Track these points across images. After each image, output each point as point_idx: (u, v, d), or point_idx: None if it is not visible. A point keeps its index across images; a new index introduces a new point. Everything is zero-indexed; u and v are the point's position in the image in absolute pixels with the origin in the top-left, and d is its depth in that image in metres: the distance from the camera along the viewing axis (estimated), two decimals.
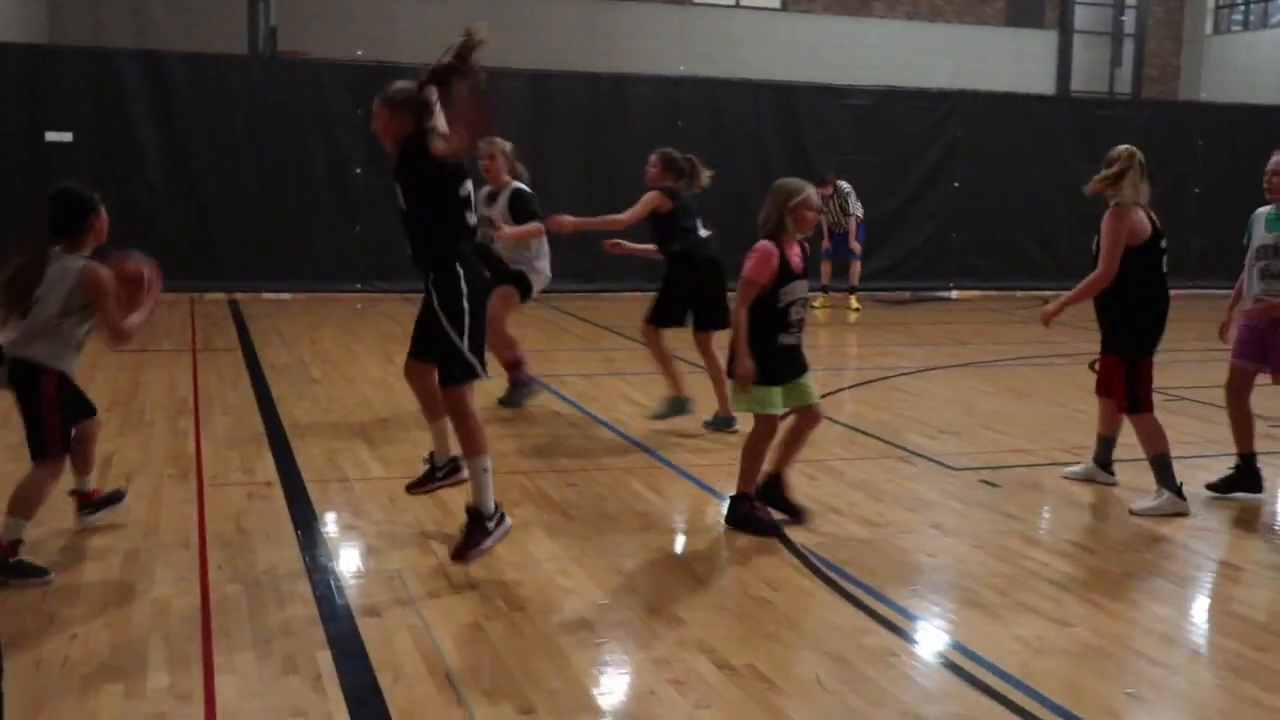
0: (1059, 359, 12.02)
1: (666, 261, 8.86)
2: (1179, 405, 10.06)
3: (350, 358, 11.51)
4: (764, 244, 6.31)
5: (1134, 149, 7.00)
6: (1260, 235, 7.37)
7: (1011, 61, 28.18)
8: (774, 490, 6.50)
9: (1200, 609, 5.56)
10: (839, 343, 14.63)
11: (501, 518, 5.83)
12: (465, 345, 5.73)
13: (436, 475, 6.50)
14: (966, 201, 18.71)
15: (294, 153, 16.43)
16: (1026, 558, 6.00)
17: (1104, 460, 7.55)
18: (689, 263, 8.70)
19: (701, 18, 26.74)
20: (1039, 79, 28.29)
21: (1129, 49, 30.60)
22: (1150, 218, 7.00)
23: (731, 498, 6.51)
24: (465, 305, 5.74)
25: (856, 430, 8.89)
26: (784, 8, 27.89)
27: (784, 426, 6.52)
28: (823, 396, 9.24)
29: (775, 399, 6.34)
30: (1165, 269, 7.06)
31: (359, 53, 19.54)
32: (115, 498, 6.29)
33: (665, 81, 18.57)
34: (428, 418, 6.47)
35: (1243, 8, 30.77)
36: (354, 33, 22.48)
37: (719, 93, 18.36)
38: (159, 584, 5.37)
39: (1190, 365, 11.54)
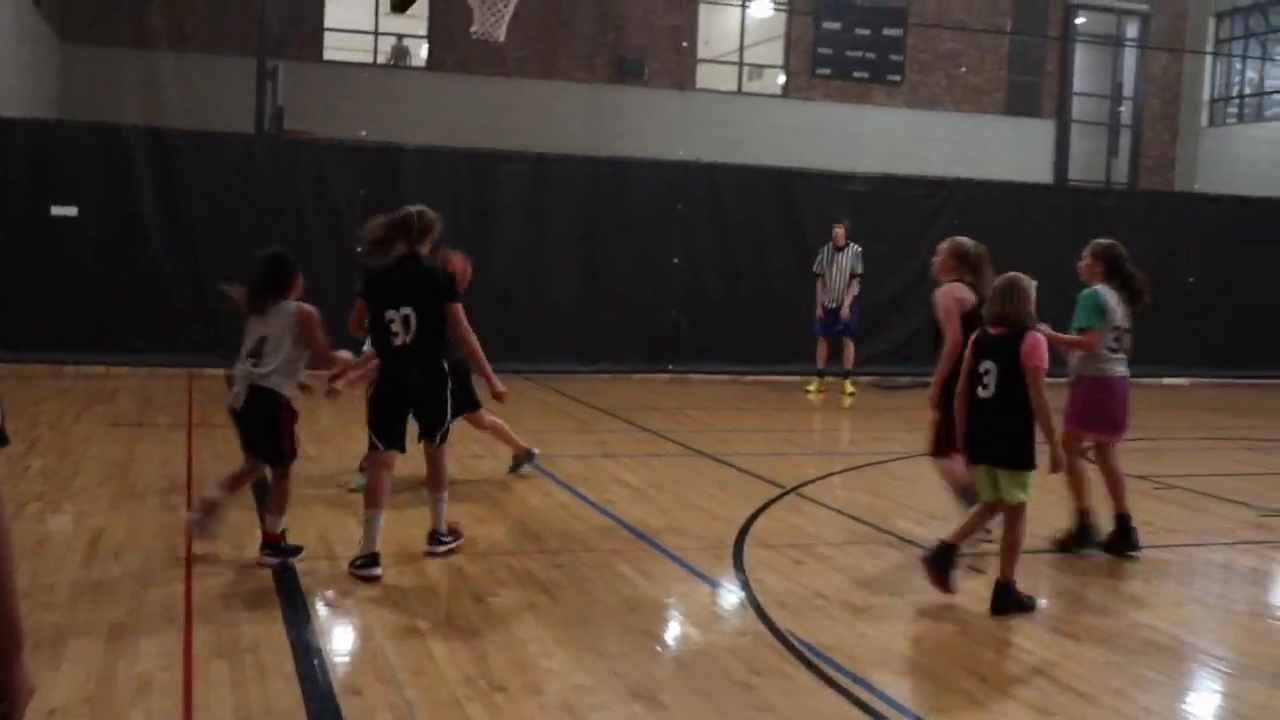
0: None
1: None
2: (1170, 494, 10.08)
3: (345, 435, 11.52)
4: (1036, 334, 6.73)
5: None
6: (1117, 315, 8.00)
7: (1009, 150, 28.46)
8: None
9: (1185, 700, 5.56)
10: (832, 426, 14.66)
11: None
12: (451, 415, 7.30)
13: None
14: None
15: (296, 230, 16.51)
16: (1010, 644, 6.01)
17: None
18: None
19: (703, 103, 27.05)
20: (1036, 168, 28.56)
21: (1125, 140, 30.91)
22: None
23: (999, 585, 6.65)
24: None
25: (846, 515, 8.92)
26: (785, 94, 28.22)
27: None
28: (813, 480, 9.34)
29: None
30: None
31: (363, 133, 19.77)
32: (295, 551, 7.02)
33: (666, 165, 18.71)
34: (381, 505, 7.09)
35: (1237, 101, 31.10)
36: (359, 114, 22.77)
37: (720, 177, 18.48)
38: (143, 658, 5.37)
39: (1181, 454, 11.59)
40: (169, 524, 7.84)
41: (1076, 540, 8.01)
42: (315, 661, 5.42)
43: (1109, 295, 8.01)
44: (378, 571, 6.77)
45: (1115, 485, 8.05)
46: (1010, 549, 6.71)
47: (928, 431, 8.12)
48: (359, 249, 16.17)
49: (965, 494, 7.80)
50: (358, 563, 6.84)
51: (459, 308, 7.28)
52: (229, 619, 5.95)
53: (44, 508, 8.17)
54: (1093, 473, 8.14)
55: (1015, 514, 6.74)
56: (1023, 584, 7.25)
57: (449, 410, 7.44)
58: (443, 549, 7.35)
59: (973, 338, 6.97)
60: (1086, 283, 8.11)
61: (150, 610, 6.06)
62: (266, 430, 7.05)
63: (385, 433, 7.25)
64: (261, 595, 6.38)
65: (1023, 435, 6.67)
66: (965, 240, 8.25)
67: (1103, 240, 8.33)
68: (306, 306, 7.10)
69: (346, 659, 5.56)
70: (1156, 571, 7.57)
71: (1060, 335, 7.83)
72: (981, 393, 6.76)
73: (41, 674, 5.09)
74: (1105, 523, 8.05)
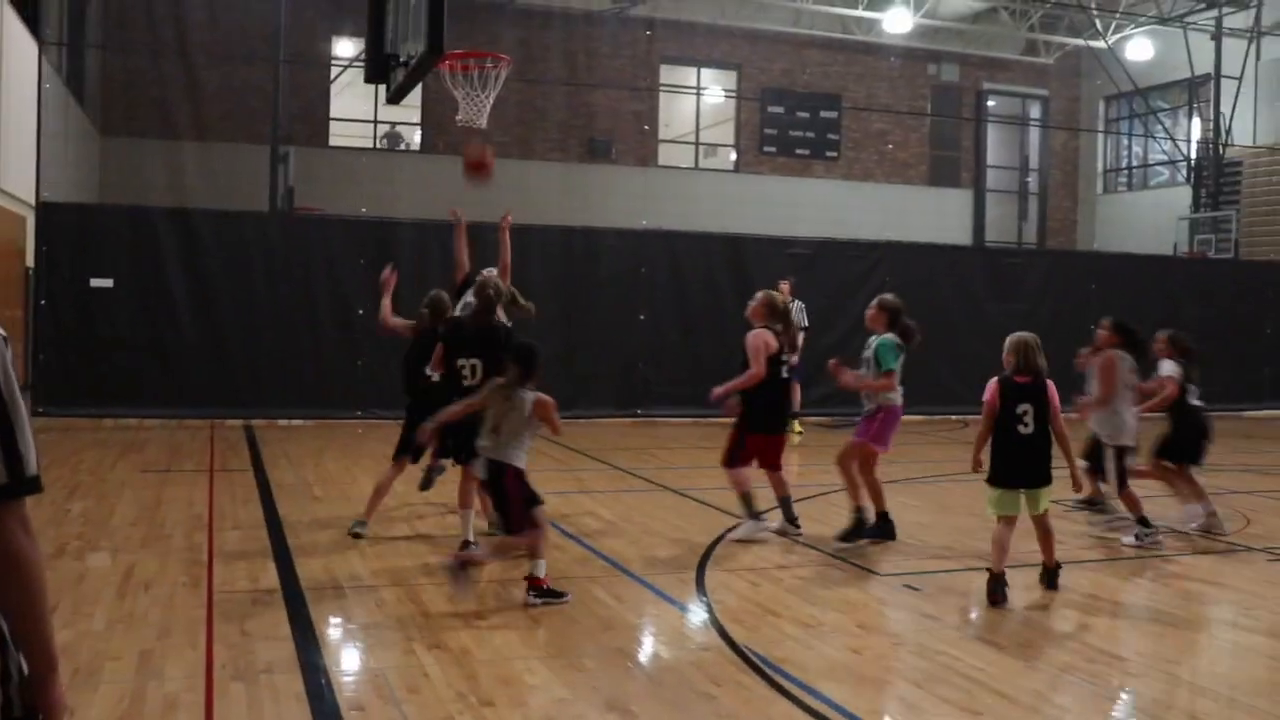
0: (976, 476, 12.01)
1: None
2: (1081, 514, 10.07)
3: (349, 478, 11.45)
4: (1050, 381, 7.31)
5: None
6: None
7: (933, 216, 28.60)
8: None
9: (1095, 699, 5.52)
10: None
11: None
12: None
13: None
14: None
15: (305, 296, 16.49)
16: (942, 654, 5.97)
17: (789, 517, 8.93)
18: None
19: (663, 178, 27.12)
20: (956, 231, 28.73)
21: (1034, 206, 31.22)
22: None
23: (1051, 569, 7.40)
24: None
25: (794, 541, 8.87)
26: (736, 170, 28.34)
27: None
28: (767, 511, 9.28)
29: None
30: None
31: (364, 210, 19.71)
32: (561, 595, 6.83)
33: (631, 234, 18.74)
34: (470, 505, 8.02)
35: (1126, 172, 31.46)
36: (360, 192, 22.72)
37: (678, 243, 18.52)
38: (169, 681, 5.28)
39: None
40: (193, 559, 7.74)
41: (855, 533, 8.60)
42: (323, 681, 5.34)
43: (895, 341, 8.59)
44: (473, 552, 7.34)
45: (880, 490, 8.76)
46: (1049, 539, 7.42)
47: (725, 444, 8.94)
48: (360, 311, 16.30)
49: (747, 501, 8.80)
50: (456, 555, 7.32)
51: None
52: (246, 644, 5.86)
53: (83, 546, 8.07)
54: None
55: (1046, 516, 7.37)
56: (956, 602, 7.24)
57: None
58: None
59: (998, 385, 7.28)
60: (872, 329, 8.67)
61: (176, 637, 5.96)
62: (499, 500, 7.02)
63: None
64: (275, 622, 6.29)
65: (1051, 459, 7.27)
66: (775, 294, 9.09)
67: (887, 295, 8.99)
68: (545, 397, 6.84)
69: (351, 679, 5.47)
70: (1070, 584, 7.54)
71: (865, 381, 8.64)
72: (1023, 430, 7.17)
73: (81, 695, 5.01)
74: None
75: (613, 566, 7.87)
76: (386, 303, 9.72)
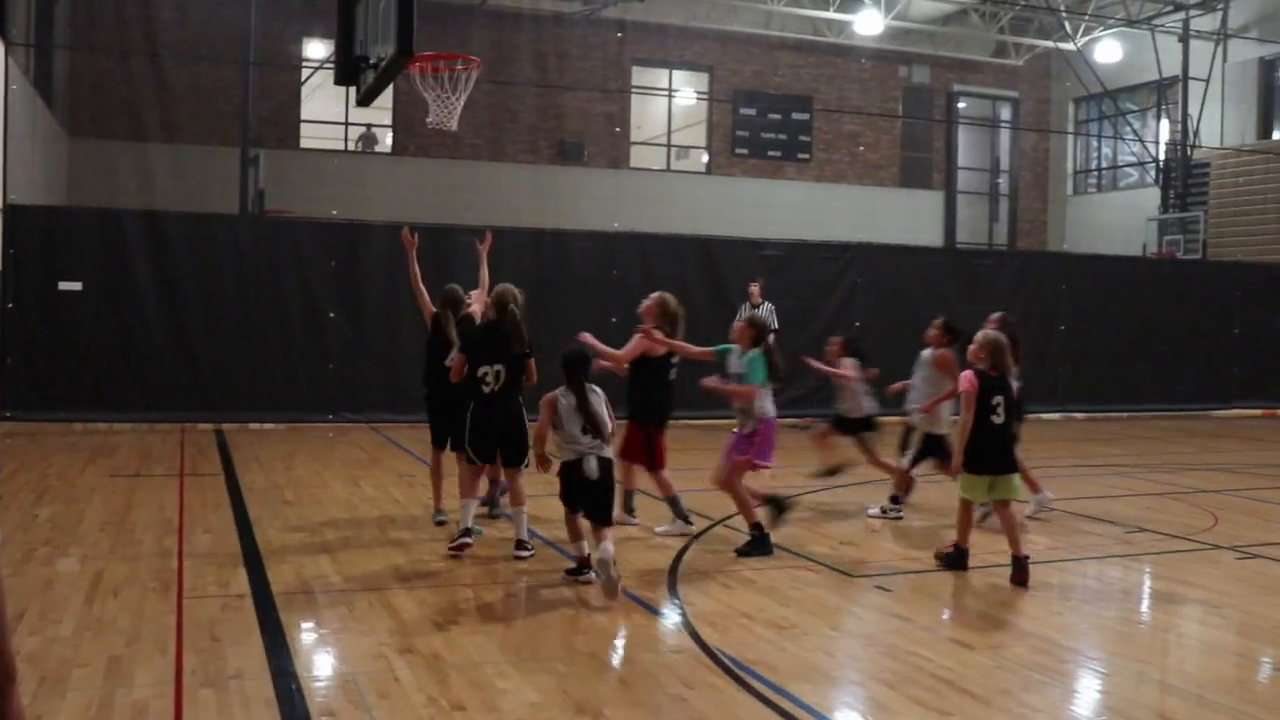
0: (943, 477, 12.06)
1: None
2: (1051, 516, 10.13)
3: (320, 482, 11.40)
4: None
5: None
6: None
7: (904, 218, 28.71)
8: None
9: (1064, 697, 5.56)
10: None
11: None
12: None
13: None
14: (866, 338, 18.83)
15: (275, 299, 16.40)
16: (912, 654, 5.99)
17: (627, 507, 9.29)
18: None
19: (635, 180, 27.13)
20: (928, 233, 28.86)
21: (1004, 207, 31.39)
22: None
23: (1021, 559, 7.61)
24: None
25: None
26: (708, 172, 28.37)
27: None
28: (738, 513, 9.29)
29: None
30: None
31: (334, 212, 19.63)
32: (580, 570, 7.35)
33: (603, 236, 18.74)
34: (473, 495, 8.50)
35: (1096, 174, 31.66)
36: (331, 195, 22.62)
37: (650, 246, 18.51)
38: (139, 687, 5.24)
39: (1059, 481, 11.65)
40: (162, 564, 7.69)
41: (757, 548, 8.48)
42: (293, 686, 5.31)
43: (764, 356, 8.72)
44: (469, 541, 8.14)
45: (750, 504, 8.66)
46: (1015, 528, 7.76)
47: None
48: (331, 314, 16.24)
49: (675, 504, 9.10)
50: (454, 541, 8.14)
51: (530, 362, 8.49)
52: (215, 650, 5.83)
53: (52, 552, 8.00)
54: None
55: (1010, 506, 7.83)
56: (927, 603, 7.27)
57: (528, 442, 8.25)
58: (526, 554, 8.06)
59: (976, 378, 7.72)
60: (736, 343, 8.77)
61: (145, 643, 5.92)
62: (609, 492, 7.48)
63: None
64: (245, 628, 6.26)
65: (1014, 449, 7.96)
66: (669, 297, 9.20)
67: (756, 315, 8.84)
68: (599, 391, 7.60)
69: (321, 684, 5.44)
70: (1040, 585, 7.59)
71: (730, 386, 8.69)
72: (995, 420, 7.68)
73: (48, 702, 4.97)
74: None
75: (584, 570, 7.84)
76: (415, 268, 10.00)
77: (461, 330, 8.99)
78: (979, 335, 8.00)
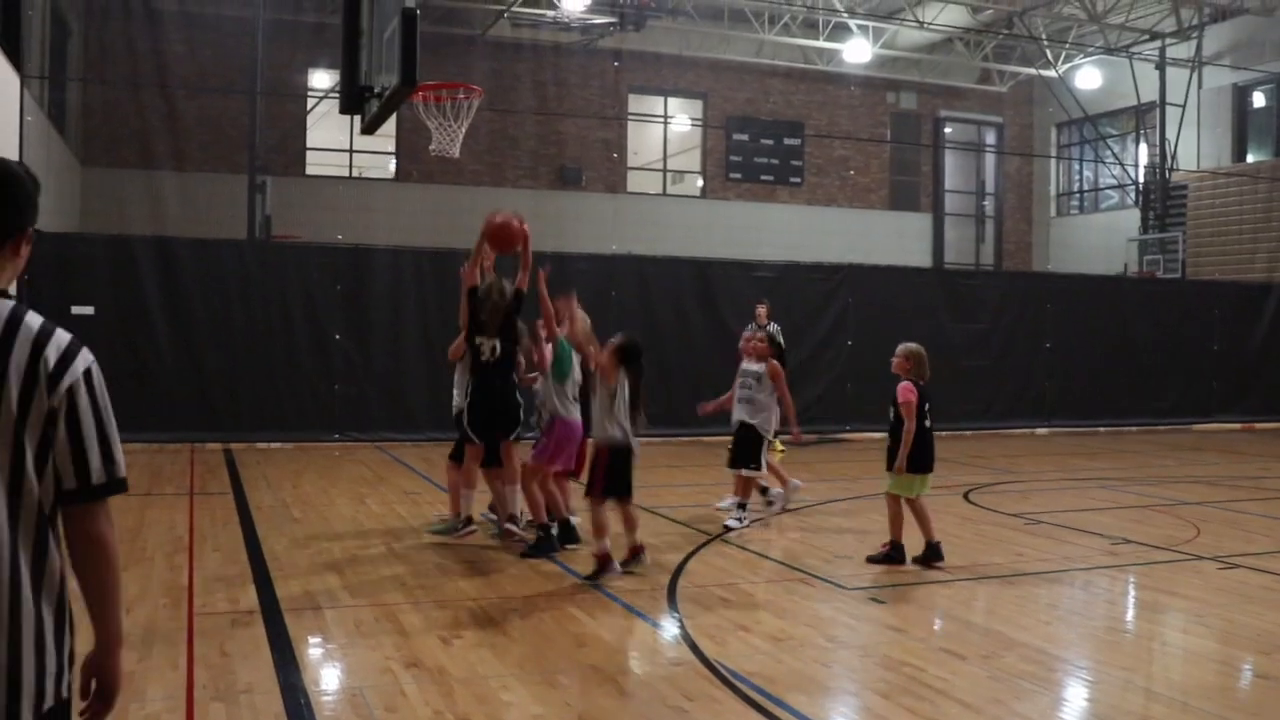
0: (938, 491, 12.06)
1: None
2: (1039, 528, 10.12)
3: (327, 500, 11.37)
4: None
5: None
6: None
7: (893, 239, 28.79)
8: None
9: (1054, 705, 5.53)
10: None
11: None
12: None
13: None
14: (858, 357, 18.88)
15: (282, 321, 16.40)
16: (907, 664, 5.97)
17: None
18: None
19: (632, 204, 27.19)
20: (917, 254, 28.94)
21: (990, 229, 31.47)
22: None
23: (932, 544, 8.36)
24: None
25: (764, 556, 8.87)
26: (702, 196, 28.43)
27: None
28: (736, 528, 9.26)
29: None
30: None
31: (339, 237, 19.64)
32: (604, 564, 7.81)
33: (601, 258, 18.75)
34: (474, 485, 9.03)
35: (1078, 196, 31.75)
36: (336, 220, 22.66)
37: (647, 268, 18.53)
38: (150, 702, 5.21)
39: (1047, 494, 11.64)
40: (173, 580, 7.66)
41: (564, 539, 8.85)
42: (302, 700, 5.28)
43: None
44: (474, 528, 8.90)
45: (557, 501, 8.89)
46: (928, 517, 8.48)
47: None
48: (336, 336, 16.23)
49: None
50: (459, 529, 8.81)
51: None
52: (226, 665, 5.80)
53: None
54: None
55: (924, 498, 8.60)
56: (920, 614, 7.25)
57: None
58: (519, 530, 8.83)
59: (915, 387, 8.43)
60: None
61: (157, 658, 5.89)
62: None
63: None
64: (255, 643, 6.23)
65: None
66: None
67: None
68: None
69: (329, 698, 5.41)
70: (1029, 595, 7.57)
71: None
72: (928, 424, 8.45)
73: None
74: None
75: (586, 583, 7.84)
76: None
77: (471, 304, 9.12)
78: (901, 348, 8.59)
